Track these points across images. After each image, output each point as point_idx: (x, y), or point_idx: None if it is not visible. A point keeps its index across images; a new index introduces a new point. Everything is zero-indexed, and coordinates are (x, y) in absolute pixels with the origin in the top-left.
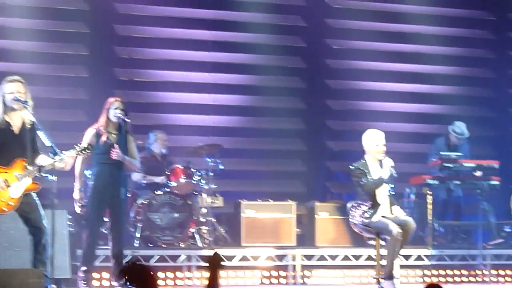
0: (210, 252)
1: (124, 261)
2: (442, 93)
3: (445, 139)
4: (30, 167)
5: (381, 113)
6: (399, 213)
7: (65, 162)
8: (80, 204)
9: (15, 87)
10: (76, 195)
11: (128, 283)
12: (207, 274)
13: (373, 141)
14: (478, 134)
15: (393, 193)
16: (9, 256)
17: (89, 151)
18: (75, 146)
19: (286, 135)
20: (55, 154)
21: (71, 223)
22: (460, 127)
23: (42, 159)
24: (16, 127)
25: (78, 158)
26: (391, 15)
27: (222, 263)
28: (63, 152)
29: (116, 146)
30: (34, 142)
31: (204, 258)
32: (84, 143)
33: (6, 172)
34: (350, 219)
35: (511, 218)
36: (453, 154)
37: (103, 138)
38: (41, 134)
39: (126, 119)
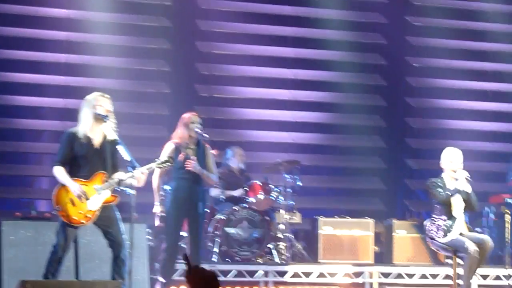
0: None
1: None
2: None
3: None
4: (109, 180)
5: (461, 131)
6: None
7: (137, 178)
8: (159, 218)
9: (105, 100)
10: (156, 209)
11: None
12: None
13: (447, 158)
14: None
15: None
16: (89, 268)
17: (170, 164)
18: (155, 160)
19: (365, 153)
20: (134, 168)
21: (150, 237)
22: None
23: (120, 175)
24: (97, 141)
25: (156, 172)
26: (473, 33)
27: None
28: (140, 168)
29: (193, 158)
30: (114, 157)
31: None
32: (164, 156)
33: (86, 185)
34: (427, 237)
35: None
36: None
37: (182, 153)
38: (120, 148)
39: (205, 135)
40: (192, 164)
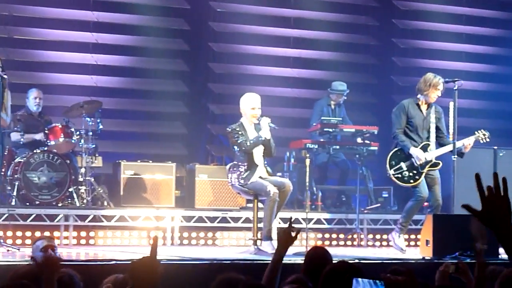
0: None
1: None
2: (325, 59)
3: (325, 100)
4: None
5: (264, 77)
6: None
7: None
8: None
9: None
10: None
11: None
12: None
13: (249, 104)
14: (359, 100)
15: None
16: None
17: None
18: None
19: (168, 97)
20: None
21: None
22: (341, 84)
23: None
24: None
25: None
26: None
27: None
28: None
29: None
30: None
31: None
32: None
33: None
34: (228, 181)
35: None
36: (333, 119)
37: None
38: None
39: (4, 76)
40: None
